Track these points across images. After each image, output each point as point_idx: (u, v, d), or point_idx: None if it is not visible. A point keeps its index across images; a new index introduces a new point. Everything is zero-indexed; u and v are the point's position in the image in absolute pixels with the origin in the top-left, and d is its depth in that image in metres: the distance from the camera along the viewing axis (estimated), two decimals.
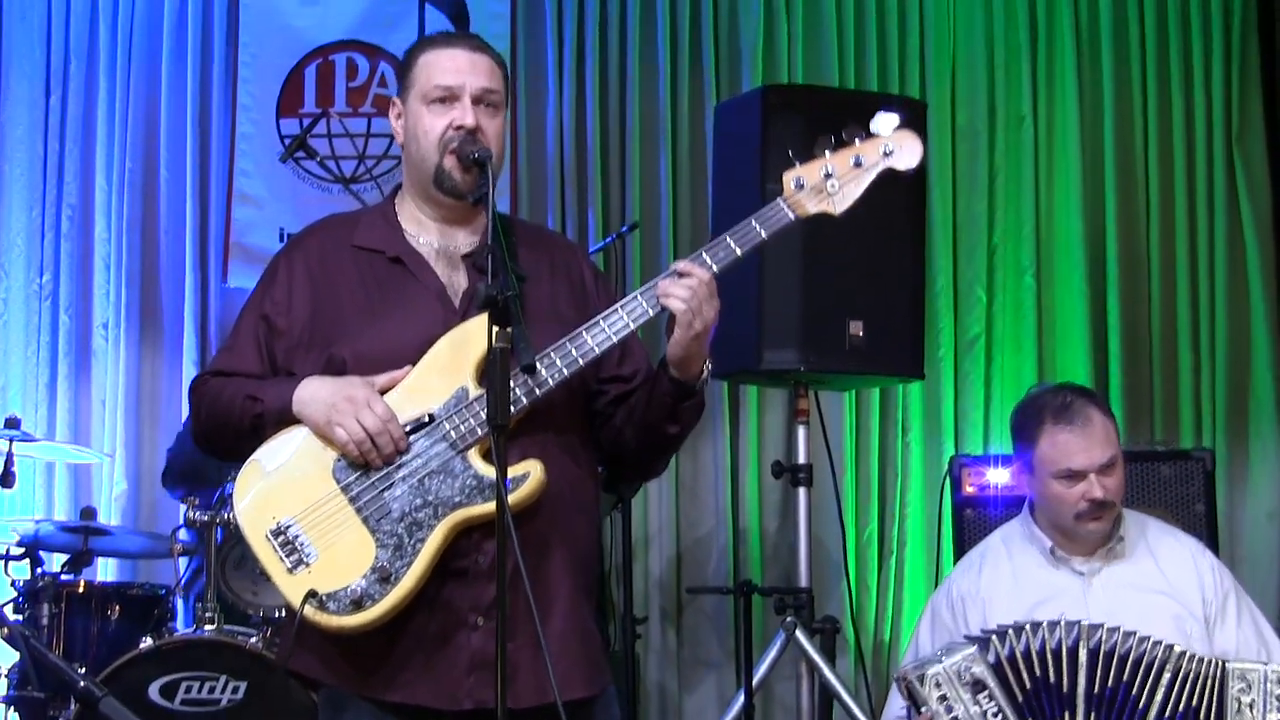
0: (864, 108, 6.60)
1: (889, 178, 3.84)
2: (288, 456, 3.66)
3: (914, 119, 6.50)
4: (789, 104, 6.46)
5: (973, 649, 4.15)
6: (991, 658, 4.15)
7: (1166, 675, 4.14)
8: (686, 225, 8.24)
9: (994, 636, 4.17)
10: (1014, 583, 4.65)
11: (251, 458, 3.68)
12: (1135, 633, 4.18)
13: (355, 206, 6.03)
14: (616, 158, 8.27)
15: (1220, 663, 4.18)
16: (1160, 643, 4.18)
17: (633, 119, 8.24)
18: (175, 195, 8.07)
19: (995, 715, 4.12)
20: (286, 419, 3.66)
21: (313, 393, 3.64)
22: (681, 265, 3.65)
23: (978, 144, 8.36)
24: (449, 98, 3.78)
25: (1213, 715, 4.13)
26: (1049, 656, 4.15)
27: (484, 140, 3.75)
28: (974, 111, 8.37)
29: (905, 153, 3.82)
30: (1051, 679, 4.14)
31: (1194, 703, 4.13)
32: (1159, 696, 4.13)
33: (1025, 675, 4.14)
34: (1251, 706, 4.13)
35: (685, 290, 3.60)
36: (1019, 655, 4.15)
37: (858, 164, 3.77)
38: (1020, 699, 4.12)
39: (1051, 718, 4.13)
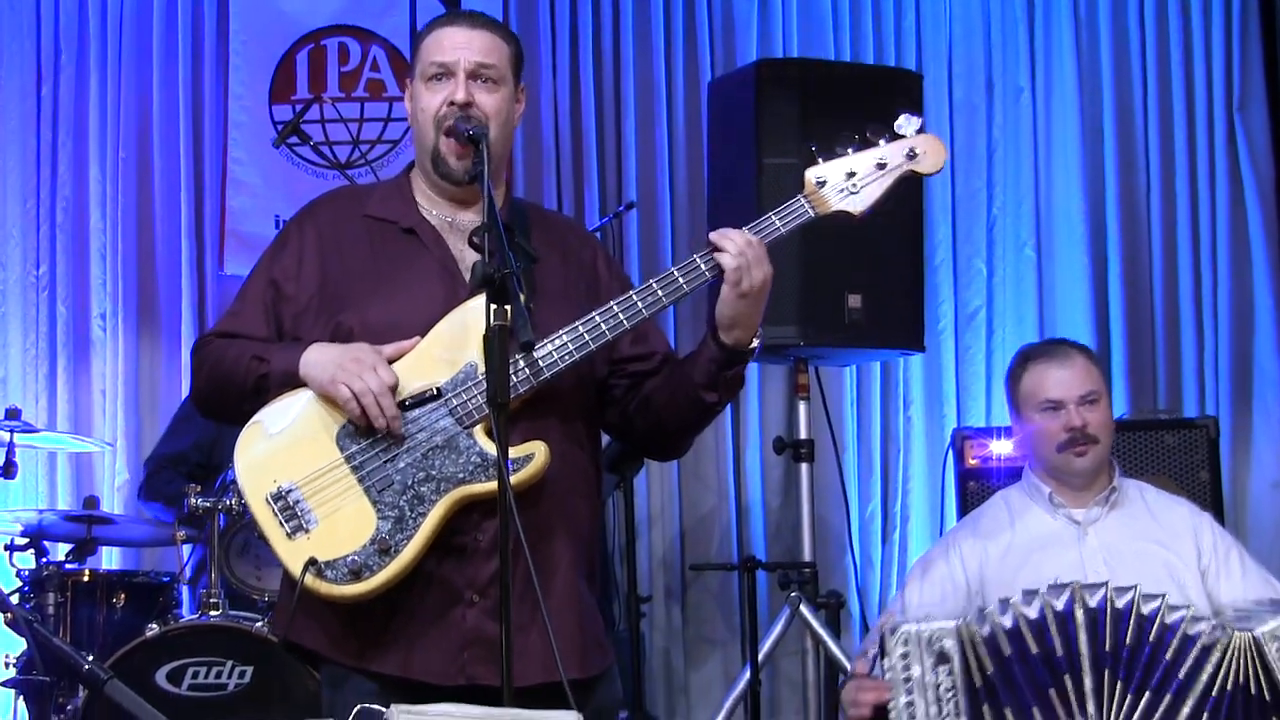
0: (859, 81, 6.70)
1: (908, 178, 3.86)
2: (291, 420, 3.65)
3: (911, 93, 6.57)
4: (783, 78, 6.47)
5: (951, 623, 4.14)
6: (960, 638, 4.14)
7: (1215, 655, 4.10)
8: (684, 202, 8.23)
9: (973, 616, 4.16)
10: (1013, 535, 4.72)
11: (254, 418, 3.67)
12: (1135, 587, 4.16)
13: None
14: (612, 136, 8.25)
15: (1248, 633, 4.15)
16: (1177, 607, 4.15)
17: (628, 96, 8.22)
18: (169, 184, 8.05)
19: (949, 691, 4.11)
20: (291, 382, 3.65)
21: (319, 355, 3.64)
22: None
23: (975, 117, 8.35)
24: (444, 74, 3.77)
25: (1264, 685, 4.09)
26: (1043, 624, 4.13)
27: (480, 115, 3.74)
28: (971, 85, 8.36)
29: (930, 157, 3.85)
30: (1034, 651, 4.11)
31: (1243, 679, 4.11)
32: (1205, 674, 4.09)
33: (990, 660, 4.12)
34: None
35: (734, 246, 3.61)
36: (999, 633, 4.12)
37: (881, 166, 3.79)
38: (979, 683, 4.11)
39: (1035, 691, 4.09)
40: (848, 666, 6.43)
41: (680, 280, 3.67)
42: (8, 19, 8.04)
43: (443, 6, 7.97)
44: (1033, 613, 4.11)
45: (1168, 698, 4.06)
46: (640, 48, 8.27)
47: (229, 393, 3.77)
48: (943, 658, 4.12)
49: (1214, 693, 4.05)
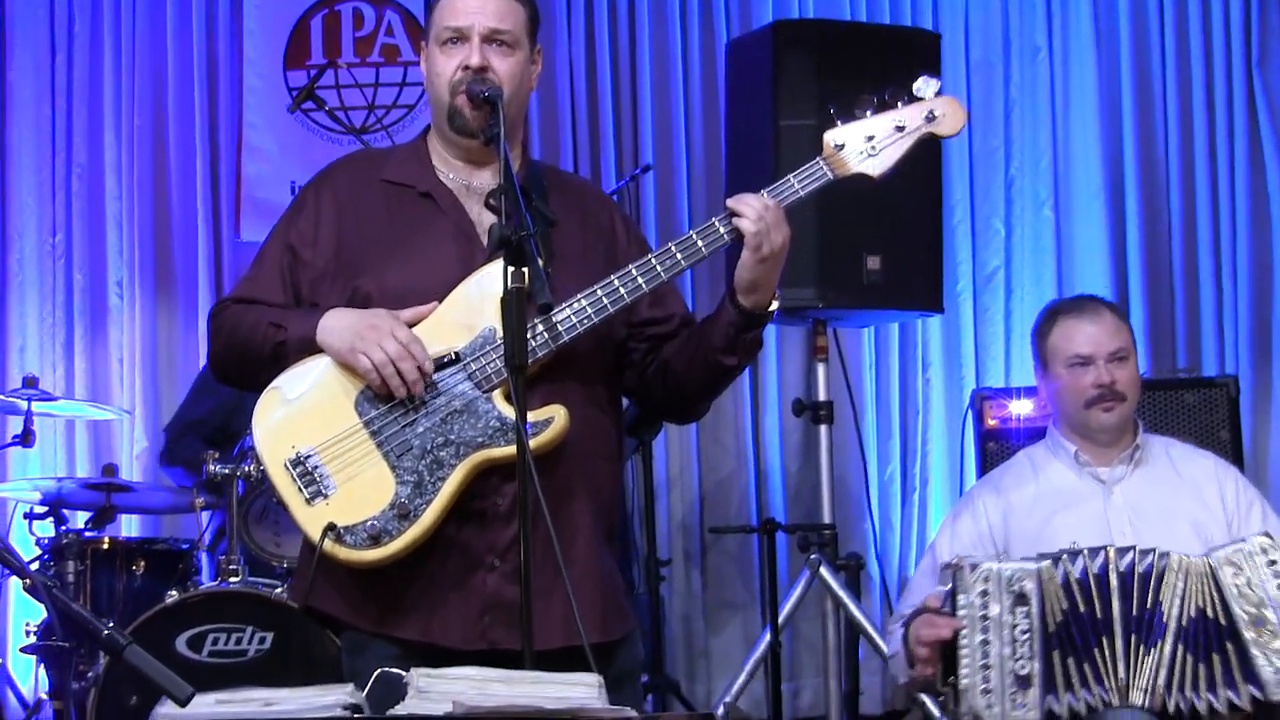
0: (876, 41, 6.67)
1: (927, 140, 3.86)
2: (309, 386, 3.64)
3: (928, 52, 6.54)
4: (800, 39, 6.44)
5: (1033, 565, 4.15)
6: (1041, 580, 4.15)
7: (1176, 583, 4.15)
8: (701, 165, 8.21)
9: (1053, 560, 4.17)
10: (1037, 489, 4.73)
11: (272, 385, 3.66)
12: (1136, 549, 4.19)
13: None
14: (628, 99, 8.23)
15: (1205, 560, 4.19)
16: (1167, 554, 4.19)
17: (644, 59, 8.20)
18: (185, 151, 8.04)
19: (1024, 634, 4.12)
20: (309, 348, 3.64)
21: (337, 321, 3.62)
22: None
23: (993, 76, 8.32)
24: (459, 39, 3.75)
25: (1219, 610, 4.14)
26: (1084, 585, 4.15)
27: (494, 79, 3.72)
28: (988, 44, 8.33)
29: (949, 119, 3.85)
30: (1084, 608, 4.14)
31: (1201, 603, 4.15)
32: (1175, 608, 4.15)
33: (1065, 606, 4.14)
34: (1249, 584, 4.14)
35: (753, 210, 3.60)
36: (1070, 584, 4.15)
37: (900, 128, 3.79)
38: (1054, 629, 4.12)
39: (1087, 647, 4.13)
40: (867, 628, 6.44)
41: (699, 244, 3.66)
42: None
43: None
44: (1076, 572, 4.13)
45: (1159, 644, 4.11)
46: (655, 10, 8.25)
47: (246, 359, 3.76)
48: (1022, 599, 4.13)
49: (1184, 623, 4.10)
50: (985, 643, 4.13)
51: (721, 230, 3.65)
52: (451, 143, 3.83)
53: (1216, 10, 8.23)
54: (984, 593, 4.14)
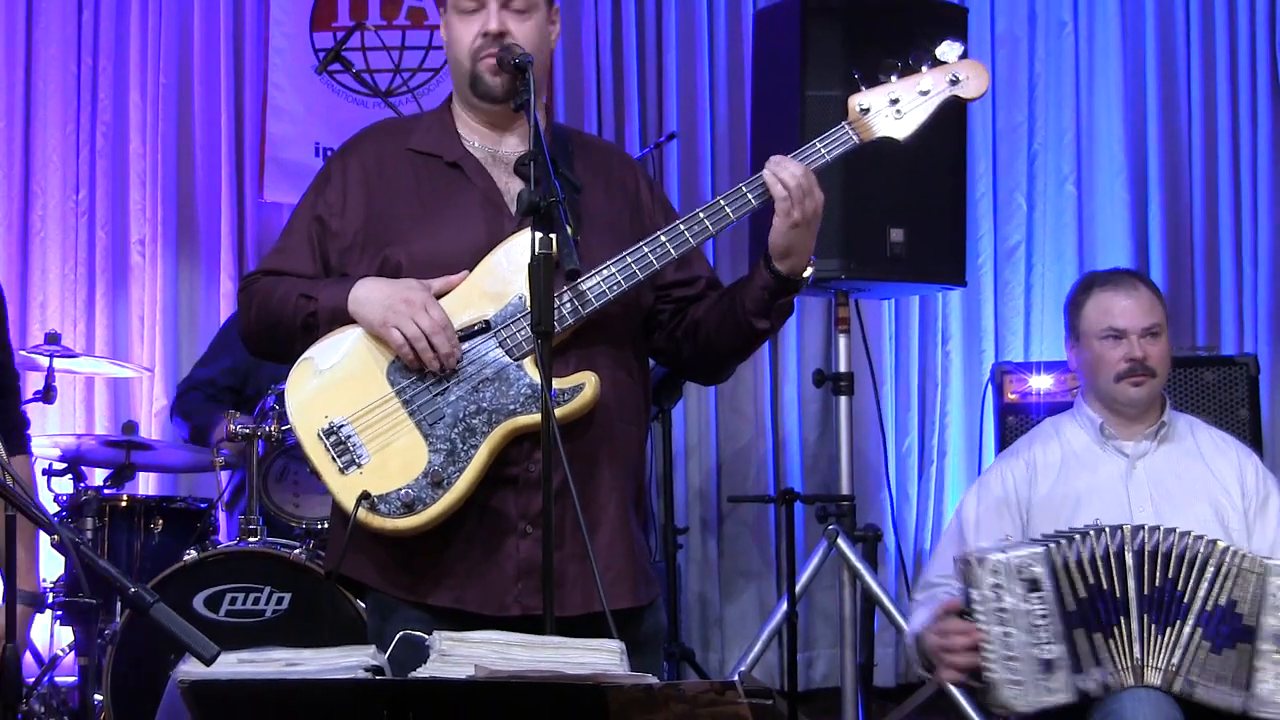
0: (904, 14, 6.65)
1: (949, 102, 3.86)
2: (341, 356, 3.64)
3: (955, 25, 6.53)
4: (828, 10, 6.43)
5: (1038, 548, 4.16)
6: (1050, 562, 4.16)
7: (1210, 570, 4.16)
8: (725, 135, 8.22)
9: (1059, 541, 4.18)
10: (1060, 460, 4.73)
11: (304, 356, 3.66)
12: (1175, 529, 4.20)
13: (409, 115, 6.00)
14: (654, 67, 8.23)
15: (1263, 561, 4.20)
16: (1202, 537, 4.20)
17: (670, 27, 8.19)
18: (210, 111, 8.04)
19: (1043, 617, 4.13)
20: (340, 319, 3.64)
21: (368, 293, 3.62)
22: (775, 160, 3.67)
23: (1018, 51, 8.32)
24: (477, 6, 3.75)
25: (1249, 610, 4.15)
26: (1099, 563, 4.16)
27: (514, 44, 3.71)
28: (1014, 18, 8.33)
29: (972, 82, 3.84)
30: (1104, 586, 4.15)
31: (1234, 597, 4.16)
32: (1202, 590, 4.15)
33: (1080, 584, 4.15)
34: None
35: (788, 176, 3.61)
36: (1082, 561, 4.16)
37: (924, 92, 3.80)
38: (1074, 607, 4.13)
39: (1106, 624, 4.15)
40: (884, 600, 6.46)
41: (728, 209, 3.67)
42: None
43: None
44: (1100, 549, 4.14)
45: (1176, 624, 4.12)
46: None
47: (278, 331, 3.76)
48: (1034, 585, 4.14)
49: (1209, 608, 4.11)
50: (1006, 634, 4.14)
51: (750, 195, 3.66)
52: (475, 109, 3.82)
53: None
54: (996, 585, 4.14)
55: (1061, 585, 4.15)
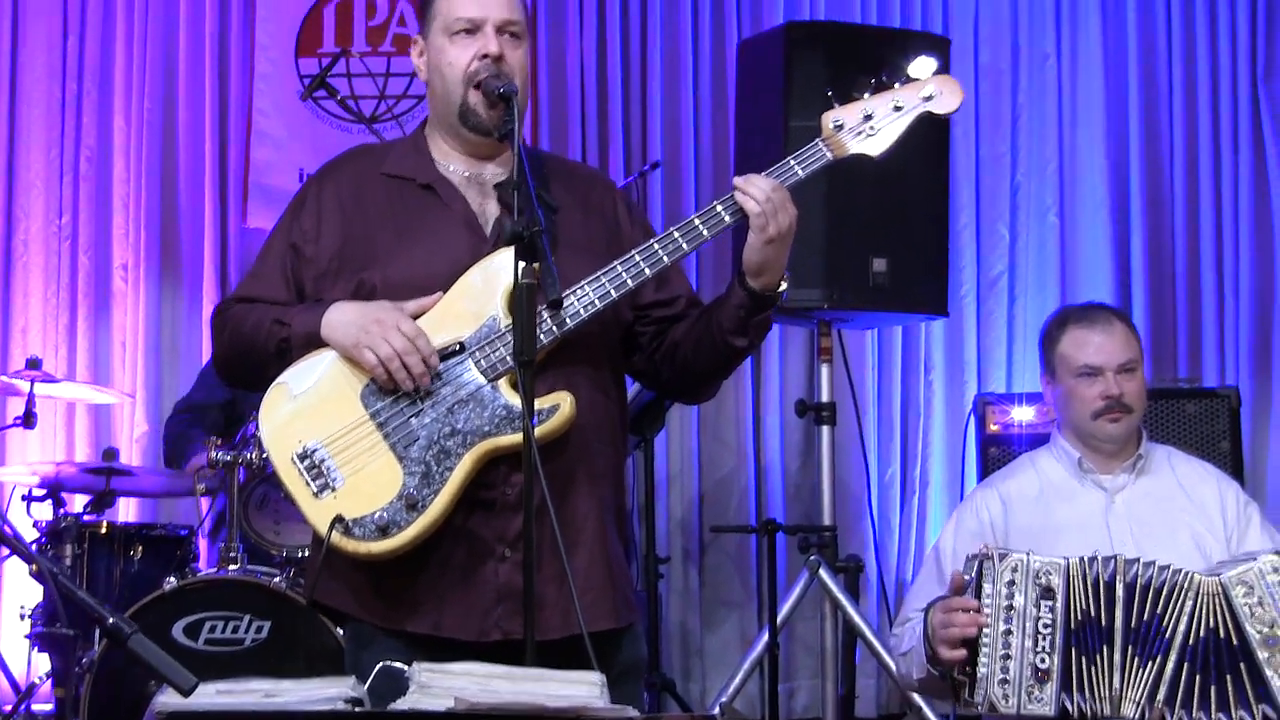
0: (888, 45, 6.68)
1: (921, 117, 3.85)
2: (315, 380, 3.64)
3: (938, 57, 6.54)
4: (812, 41, 6.44)
5: (1060, 559, 4.16)
6: (1068, 575, 4.15)
7: (1189, 603, 4.16)
8: (709, 163, 8.23)
9: (1082, 559, 4.18)
10: (1039, 493, 4.71)
11: (277, 380, 3.65)
12: (1154, 562, 4.20)
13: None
14: (639, 96, 8.25)
15: (1217, 580, 4.20)
16: (1180, 570, 4.19)
17: (654, 57, 8.21)
18: (194, 136, 8.05)
19: (1047, 628, 4.13)
20: (314, 343, 3.64)
21: (341, 315, 3.62)
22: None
23: (1001, 82, 8.35)
24: (473, 29, 3.75)
25: (1232, 631, 4.15)
26: (1103, 590, 4.16)
27: (508, 71, 3.72)
28: (997, 49, 8.35)
29: (946, 97, 3.84)
30: (1093, 613, 4.15)
31: (1212, 624, 4.15)
32: (1182, 625, 4.15)
33: (1090, 605, 4.15)
34: (1261, 603, 4.15)
35: (756, 190, 3.60)
36: (1098, 584, 4.16)
37: (897, 108, 3.79)
38: (1074, 626, 4.13)
39: (1093, 650, 4.14)
40: (865, 631, 6.45)
41: (701, 228, 3.67)
42: None
43: None
44: (1105, 575, 4.14)
45: (1158, 658, 4.11)
46: (667, 8, 8.26)
47: (251, 357, 3.76)
48: (1048, 592, 4.13)
49: (1190, 641, 4.10)
50: (1008, 633, 4.13)
51: (723, 213, 3.65)
52: (457, 137, 3.82)
53: (1223, 23, 8.26)
54: (1011, 583, 4.14)
55: (1073, 601, 4.14)
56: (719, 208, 3.66)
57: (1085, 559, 4.18)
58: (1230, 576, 4.19)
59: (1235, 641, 4.14)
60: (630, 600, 3.82)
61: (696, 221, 3.67)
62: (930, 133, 6.32)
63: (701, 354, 3.79)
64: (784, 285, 3.71)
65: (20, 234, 7.91)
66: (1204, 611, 4.16)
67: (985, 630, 4.12)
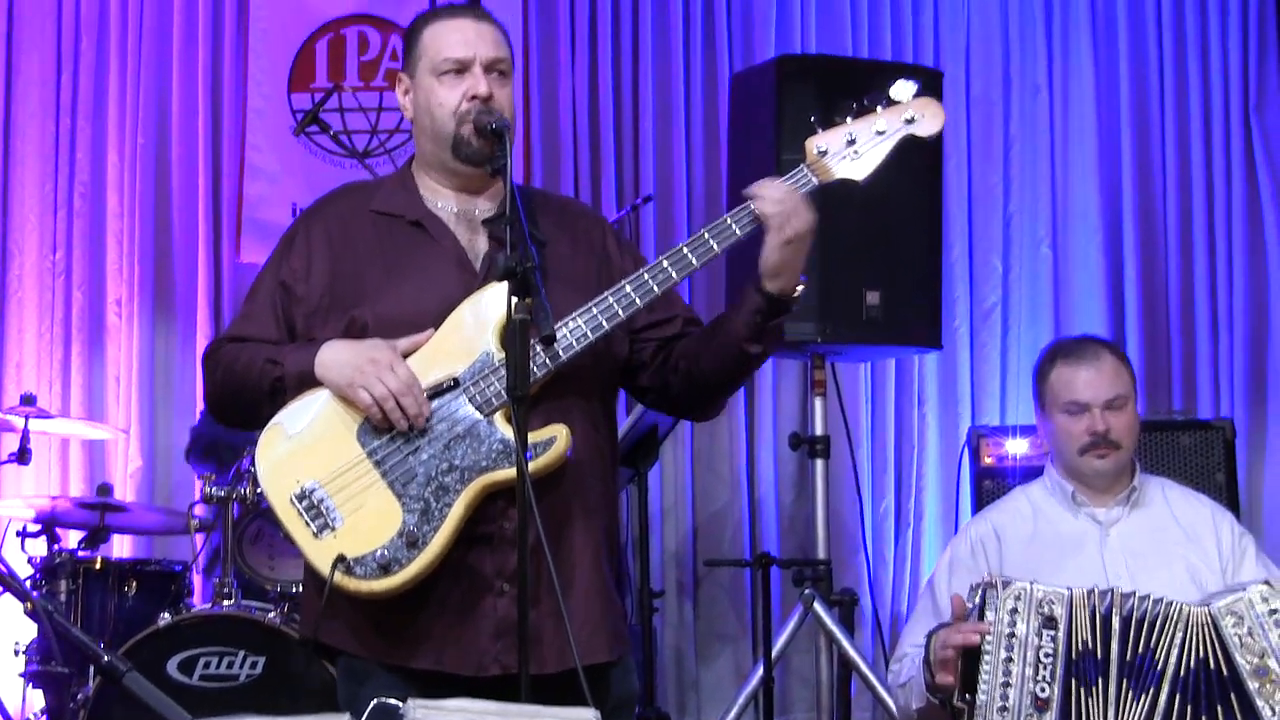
0: (879, 77, 6.62)
1: (908, 144, 3.86)
2: (310, 420, 3.64)
3: (930, 89, 6.55)
4: (803, 74, 6.44)
5: (1064, 590, 4.16)
6: (1071, 605, 4.15)
7: (1179, 635, 4.16)
8: (701, 197, 8.23)
9: (1086, 590, 4.18)
10: (1033, 526, 4.72)
11: (273, 421, 3.66)
12: (1149, 595, 4.20)
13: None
14: (630, 130, 8.26)
15: (1207, 611, 4.20)
16: (1172, 603, 4.19)
17: (647, 91, 8.22)
18: (187, 170, 8.06)
19: (1048, 658, 4.13)
20: (307, 382, 3.64)
21: (334, 355, 3.63)
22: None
23: (993, 114, 8.35)
24: (461, 69, 3.76)
25: (1223, 662, 4.15)
26: (1100, 623, 4.16)
27: (500, 108, 3.74)
28: (989, 81, 8.36)
29: (928, 120, 3.85)
30: (1091, 645, 4.15)
31: (1203, 654, 4.16)
32: (1173, 657, 4.15)
33: (1089, 637, 4.15)
34: (1251, 634, 4.15)
35: (774, 192, 3.63)
36: (1096, 616, 4.16)
37: (880, 132, 3.80)
38: (1075, 657, 4.13)
39: (1090, 682, 4.14)
40: (860, 664, 6.43)
41: (711, 241, 3.67)
42: (29, 3, 8.05)
43: None
44: (1102, 608, 4.14)
45: (1151, 690, 4.11)
46: (659, 43, 8.27)
47: (244, 397, 3.76)
48: (1050, 621, 4.13)
49: (1182, 672, 4.10)
50: (1008, 660, 4.13)
51: (734, 225, 3.67)
52: (446, 172, 3.83)
53: (1215, 54, 8.27)
54: (1014, 610, 4.14)
55: (1075, 631, 4.14)
56: (729, 219, 3.67)
57: (1089, 590, 4.18)
58: (1220, 607, 4.19)
59: (1225, 672, 4.14)
60: (623, 633, 3.83)
61: (706, 235, 3.68)
62: (922, 164, 6.34)
63: (714, 362, 3.79)
64: (799, 290, 3.72)
65: (14, 269, 7.92)
66: (1194, 642, 4.16)
67: (986, 657, 4.12)
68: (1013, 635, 4.14)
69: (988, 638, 4.13)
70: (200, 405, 7.32)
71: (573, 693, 3.31)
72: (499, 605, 3.60)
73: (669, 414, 4.22)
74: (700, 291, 7.92)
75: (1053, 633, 4.14)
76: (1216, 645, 4.16)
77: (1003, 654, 4.14)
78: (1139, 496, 4.70)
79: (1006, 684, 4.13)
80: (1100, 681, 4.14)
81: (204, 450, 6.95)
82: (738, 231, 3.67)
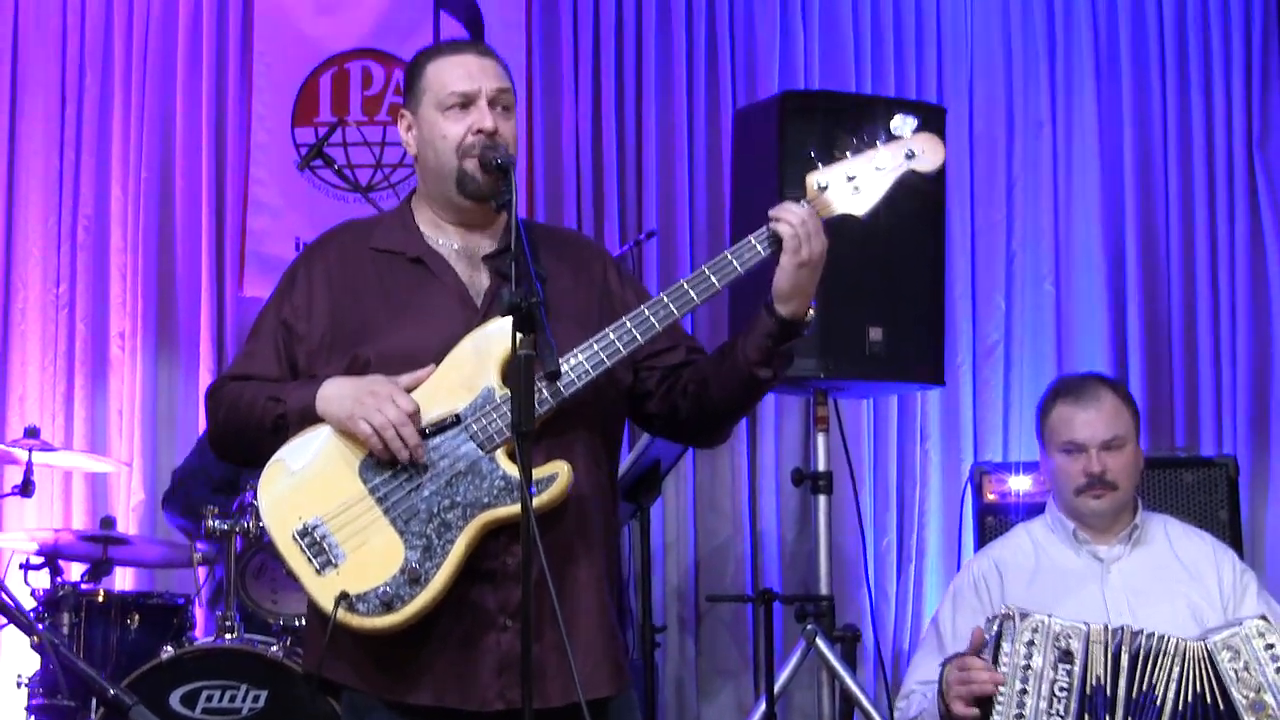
0: (883, 114, 6.65)
1: (909, 180, 3.87)
2: (312, 456, 3.65)
3: (933, 125, 6.56)
4: (807, 110, 6.45)
5: (1081, 625, 4.16)
6: (1088, 640, 4.15)
7: (1175, 669, 4.16)
8: (704, 232, 8.23)
9: (1103, 626, 4.18)
10: (1035, 562, 4.74)
11: (275, 457, 3.67)
12: (1153, 632, 4.20)
13: (373, 214, 6.03)
14: (633, 165, 8.26)
15: (1203, 645, 4.20)
16: (1169, 638, 4.19)
17: (650, 126, 8.23)
18: (191, 205, 8.07)
19: (1062, 691, 4.13)
20: (309, 418, 3.65)
21: (336, 389, 3.64)
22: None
23: (996, 151, 8.36)
24: (465, 103, 3.77)
25: (1219, 696, 4.15)
26: (1111, 660, 4.16)
27: (504, 142, 3.75)
28: (992, 118, 8.37)
29: (928, 155, 3.85)
30: (1102, 680, 4.15)
31: (1199, 689, 4.16)
32: (1171, 691, 4.15)
33: (1103, 673, 4.15)
34: (1247, 668, 4.15)
35: (794, 215, 3.64)
36: (1106, 651, 4.16)
37: (880, 168, 3.80)
38: (1089, 692, 4.13)
39: (1099, 718, 4.14)
40: (862, 700, 6.42)
41: (734, 263, 3.68)
42: (34, 39, 8.07)
43: (467, 32, 8.00)
44: (1113, 645, 4.14)
45: None
46: (662, 78, 8.28)
47: (246, 434, 3.77)
48: (1067, 655, 4.14)
49: (1179, 707, 4.11)
50: (1023, 693, 4.13)
51: (758, 245, 3.68)
52: (449, 207, 3.84)
53: (1218, 89, 8.27)
54: (1030, 643, 4.15)
55: (1090, 666, 4.14)
56: (752, 240, 3.68)
57: (1104, 626, 4.18)
58: (1216, 641, 4.20)
59: (1222, 706, 4.16)
60: (625, 667, 3.83)
61: (729, 257, 3.69)
62: (925, 201, 6.35)
63: (724, 387, 3.80)
64: (811, 313, 3.73)
65: (18, 303, 7.93)
66: (1190, 677, 4.17)
67: (1001, 688, 4.13)
68: (1028, 668, 4.15)
69: (1004, 669, 4.14)
70: (193, 443, 7.29)
71: None
72: (502, 640, 3.60)
73: (676, 440, 4.22)
74: (703, 325, 7.92)
75: (1069, 667, 4.15)
76: (1212, 679, 4.17)
77: (1018, 686, 4.14)
78: (1140, 534, 4.71)
79: (1020, 716, 4.13)
80: (1108, 718, 4.14)
81: (180, 504, 6.92)
82: (761, 251, 3.67)
